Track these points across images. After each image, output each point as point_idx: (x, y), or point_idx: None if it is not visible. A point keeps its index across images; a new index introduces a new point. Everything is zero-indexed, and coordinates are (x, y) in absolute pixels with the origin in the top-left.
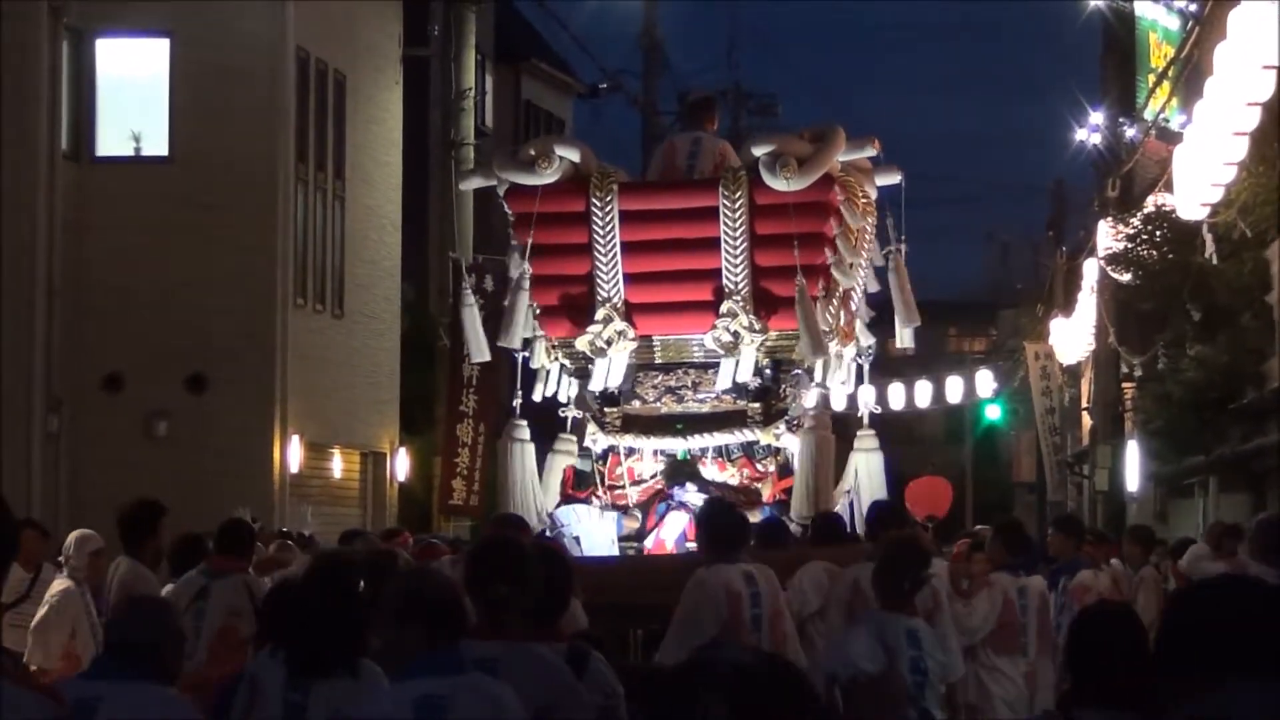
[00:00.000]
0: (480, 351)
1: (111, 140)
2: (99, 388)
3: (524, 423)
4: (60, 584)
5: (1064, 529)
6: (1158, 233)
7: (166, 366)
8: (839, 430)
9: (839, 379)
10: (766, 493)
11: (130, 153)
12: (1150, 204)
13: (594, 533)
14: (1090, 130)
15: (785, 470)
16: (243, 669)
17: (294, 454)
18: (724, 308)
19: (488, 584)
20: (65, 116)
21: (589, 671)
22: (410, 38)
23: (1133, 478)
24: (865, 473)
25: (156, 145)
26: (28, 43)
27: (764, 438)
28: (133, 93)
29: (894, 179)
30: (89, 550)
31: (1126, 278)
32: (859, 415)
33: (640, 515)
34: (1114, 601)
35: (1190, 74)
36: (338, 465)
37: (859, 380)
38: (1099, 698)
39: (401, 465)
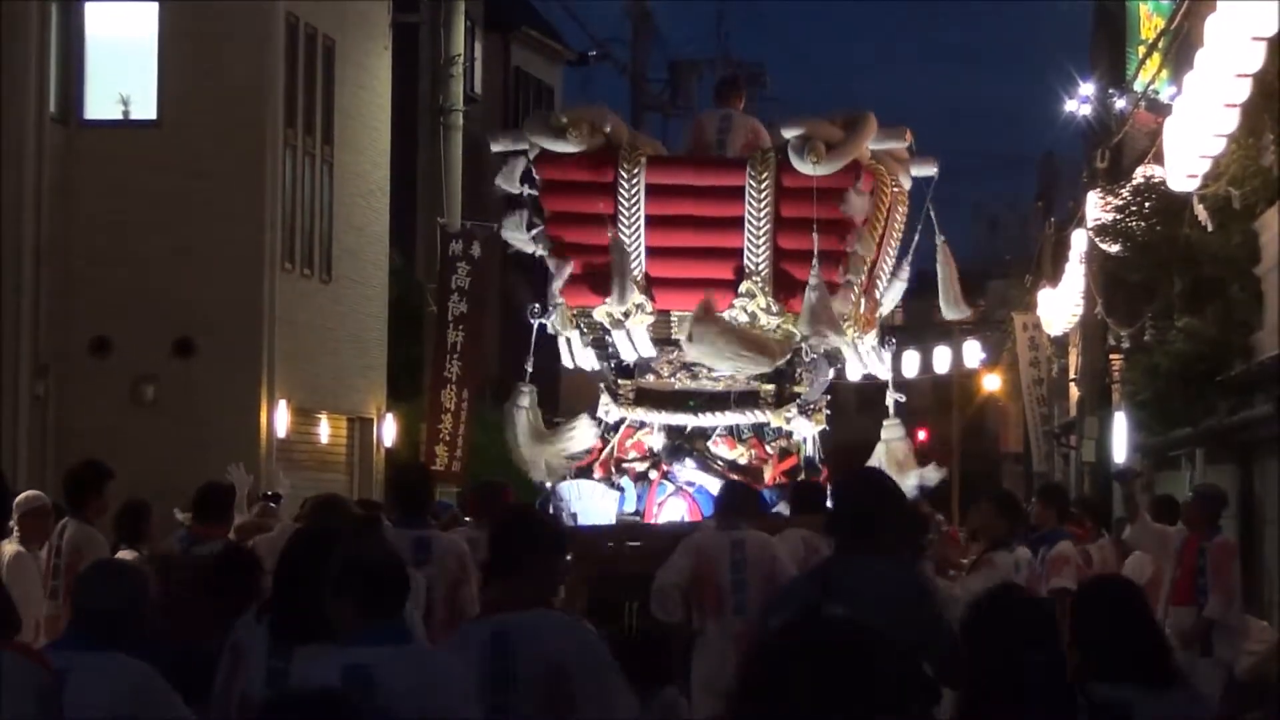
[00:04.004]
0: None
1: (100, 103)
2: (86, 352)
3: (530, 388)
4: (10, 548)
5: (1047, 499)
6: (1146, 204)
7: (154, 331)
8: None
9: (856, 366)
10: (768, 474)
11: (118, 116)
12: (1139, 175)
13: (593, 509)
14: (1080, 102)
15: (785, 452)
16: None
17: (281, 419)
18: (743, 287)
19: (513, 555)
20: (54, 79)
21: None
22: (399, 3)
23: (1120, 449)
24: (889, 461)
25: (145, 108)
26: (16, 5)
27: (775, 420)
28: (121, 56)
29: (930, 170)
30: (19, 511)
31: (1115, 249)
32: (885, 405)
33: (635, 491)
34: (1115, 575)
35: (1180, 46)
36: (325, 431)
37: (894, 367)
38: (1107, 671)
39: (389, 431)
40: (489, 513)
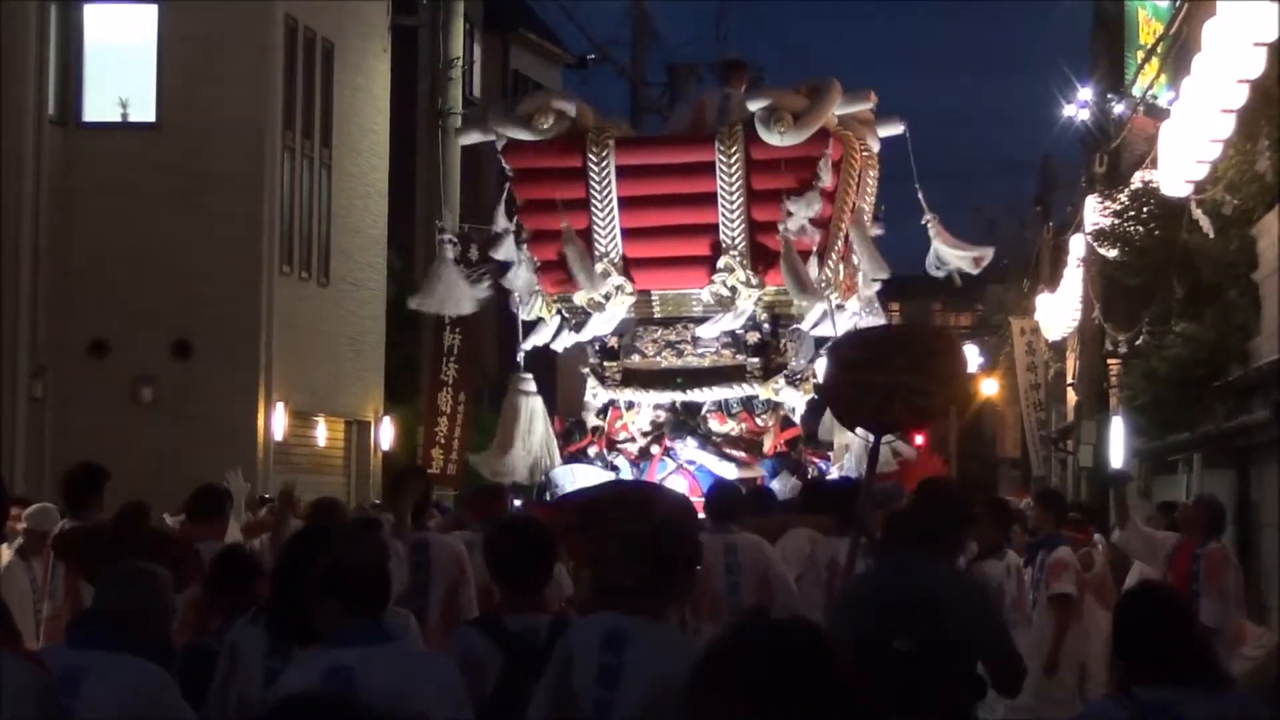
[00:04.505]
0: (457, 305)
1: (99, 106)
2: (84, 353)
3: (529, 376)
4: (7, 555)
5: (1045, 503)
6: (1145, 209)
7: (152, 332)
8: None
9: (840, 329)
10: (768, 444)
11: (117, 118)
12: (1138, 180)
13: None
14: (1079, 106)
15: (787, 422)
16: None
17: (279, 421)
18: (721, 262)
19: (514, 560)
20: (53, 81)
21: None
22: (398, 6)
23: (1117, 454)
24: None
25: (144, 111)
26: (16, 7)
27: (763, 392)
28: (120, 58)
29: (896, 130)
30: (29, 523)
31: (1113, 254)
32: None
33: (637, 470)
34: (1156, 582)
35: (1179, 51)
36: (322, 433)
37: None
38: (1154, 676)
39: (386, 434)
40: (488, 515)
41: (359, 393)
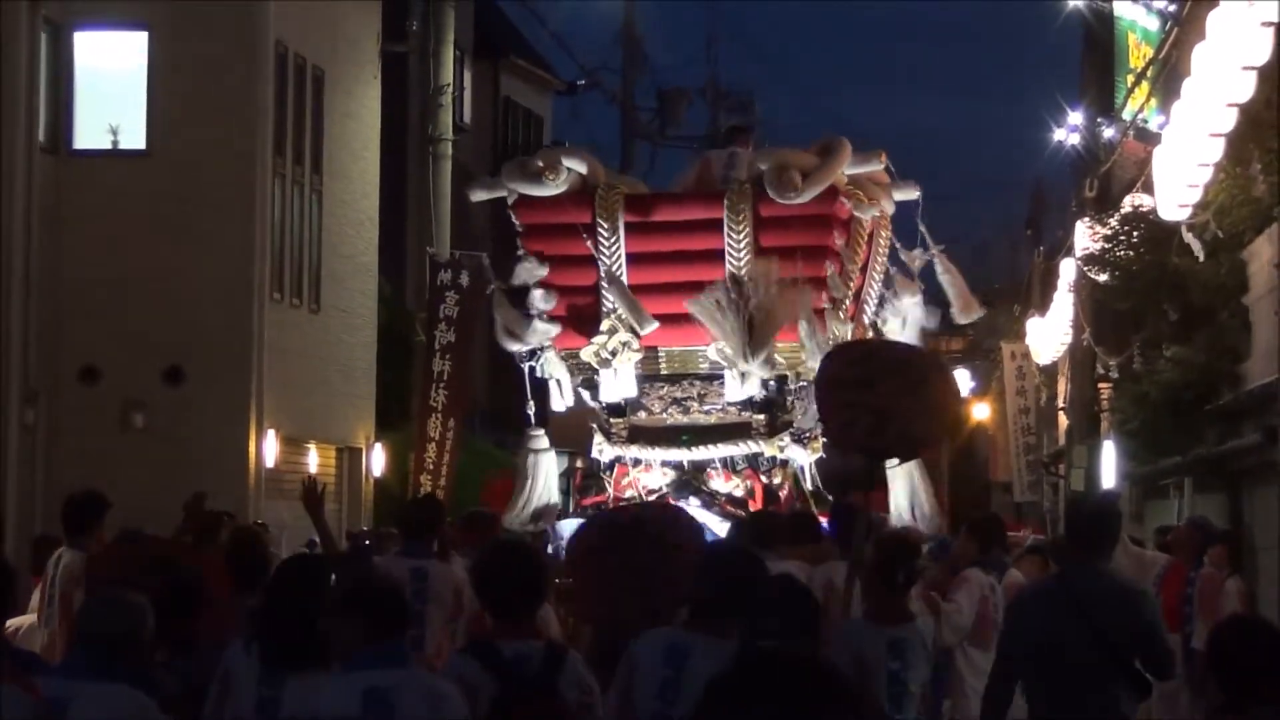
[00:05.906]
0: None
1: (89, 133)
2: (75, 380)
3: (541, 432)
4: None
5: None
6: (1135, 233)
7: (143, 359)
8: None
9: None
10: (753, 507)
11: (108, 146)
12: (1128, 204)
13: None
14: (1069, 130)
15: (770, 491)
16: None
17: (270, 448)
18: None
19: (505, 585)
20: (43, 109)
21: (565, 671)
22: (389, 33)
23: (1108, 478)
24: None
25: (134, 138)
26: (5, 35)
27: (768, 449)
28: (110, 86)
29: (913, 194)
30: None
31: (1103, 278)
32: None
33: None
34: (1250, 615)
35: (1169, 75)
36: (313, 460)
37: None
38: (1256, 700)
39: (377, 461)
40: (480, 541)
41: (350, 419)
